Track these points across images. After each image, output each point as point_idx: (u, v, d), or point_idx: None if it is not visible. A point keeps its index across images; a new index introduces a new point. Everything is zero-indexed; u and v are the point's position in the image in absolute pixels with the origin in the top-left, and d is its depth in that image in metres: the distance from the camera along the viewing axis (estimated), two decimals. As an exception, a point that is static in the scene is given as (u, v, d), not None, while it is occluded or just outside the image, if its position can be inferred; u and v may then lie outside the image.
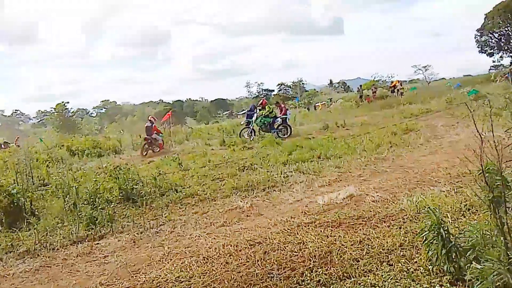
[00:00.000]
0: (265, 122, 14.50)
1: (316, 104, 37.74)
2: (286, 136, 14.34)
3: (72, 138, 23.57)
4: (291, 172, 7.21)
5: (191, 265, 3.56)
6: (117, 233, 5.12)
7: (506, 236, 2.10)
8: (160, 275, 3.43)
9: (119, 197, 6.51)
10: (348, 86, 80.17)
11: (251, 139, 14.31)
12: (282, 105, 15.99)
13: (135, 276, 3.56)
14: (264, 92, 75.24)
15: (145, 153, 13.86)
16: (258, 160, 8.95)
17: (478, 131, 2.25)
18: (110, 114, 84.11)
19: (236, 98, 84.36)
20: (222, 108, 64.03)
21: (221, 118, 45.04)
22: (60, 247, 4.84)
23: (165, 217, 5.56)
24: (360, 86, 38.57)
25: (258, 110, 14.97)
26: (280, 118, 14.85)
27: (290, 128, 15.04)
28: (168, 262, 3.74)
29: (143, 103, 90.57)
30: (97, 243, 4.84)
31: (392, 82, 36.96)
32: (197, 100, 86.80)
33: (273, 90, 75.79)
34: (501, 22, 46.72)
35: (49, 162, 13.19)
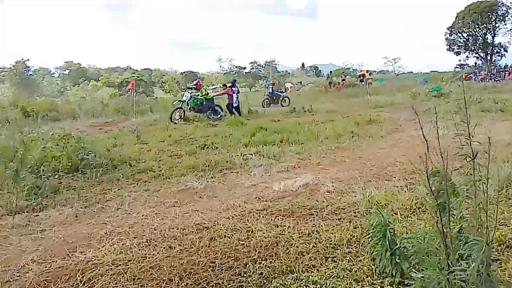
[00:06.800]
0: (198, 102, 14.11)
1: (285, 86, 37.64)
2: (217, 117, 13.85)
3: (28, 99, 22.34)
4: (252, 154, 7.09)
5: (132, 247, 3.38)
6: (59, 206, 4.82)
7: (448, 245, 2.07)
8: (97, 256, 3.22)
9: (68, 167, 6.14)
10: (320, 71, 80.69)
11: (179, 121, 13.48)
12: (229, 89, 15.48)
13: (71, 255, 3.34)
14: (235, 69, 74.27)
15: None
16: (220, 139, 8.77)
17: (424, 137, 2.21)
18: (74, 76, 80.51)
19: (207, 72, 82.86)
20: (192, 81, 62.58)
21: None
22: (-5, 217, 4.51)
23: (114, 192, 5.29)
24: (331, 72, 38.91)
25: (190, 91, 14.55)
26: (214, 99, 14.58)
27: (221, 111, 14.50)
28: (108, 242, 3.53)
29: (109, 68, 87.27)
30: (37, 215, 4.53)
31: (361, 71, 37.46)
32: (166, 70, 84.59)
33: (245, 68, 74.95)
34: (470, 22, 48.11)
35: (-1, 123, 12.46)
